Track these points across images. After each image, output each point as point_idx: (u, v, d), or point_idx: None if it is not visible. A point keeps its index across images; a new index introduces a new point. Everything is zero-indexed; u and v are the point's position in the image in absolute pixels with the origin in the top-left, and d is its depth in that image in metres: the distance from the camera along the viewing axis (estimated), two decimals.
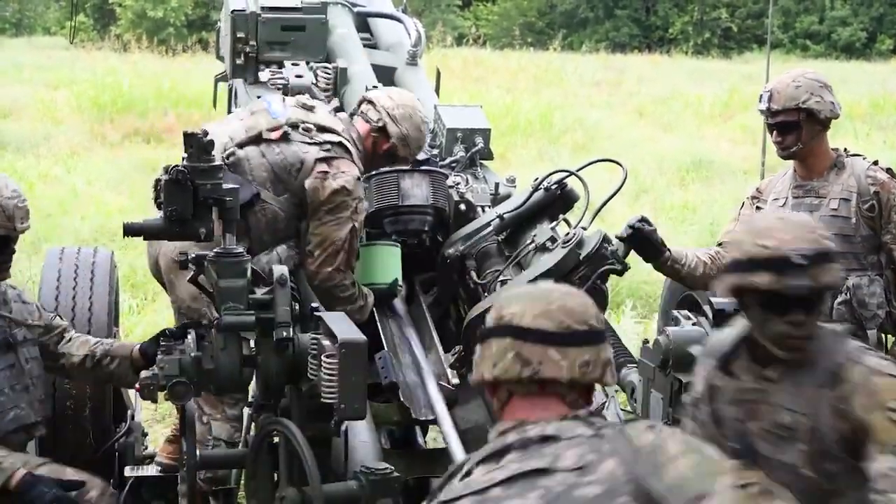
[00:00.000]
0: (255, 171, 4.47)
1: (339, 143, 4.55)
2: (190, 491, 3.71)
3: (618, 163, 4.84)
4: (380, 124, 4.72)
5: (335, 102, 5.02)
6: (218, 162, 3.69)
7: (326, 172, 4.46)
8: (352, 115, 4.83)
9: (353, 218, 4.49)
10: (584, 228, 4.60)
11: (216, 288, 3.53)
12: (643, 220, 4.60)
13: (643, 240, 4.59)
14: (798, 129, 4.67)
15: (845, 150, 4.83)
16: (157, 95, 17.78)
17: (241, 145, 4.49)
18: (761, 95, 4.76)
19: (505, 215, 4.93)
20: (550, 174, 4.97)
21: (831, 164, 4.74)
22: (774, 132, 4.74)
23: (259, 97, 4.69)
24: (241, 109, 4.77)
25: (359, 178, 4.53)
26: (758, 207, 4.85)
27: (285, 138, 4.50)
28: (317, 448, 3.33)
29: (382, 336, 4.75)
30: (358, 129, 4.73)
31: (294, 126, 4.53)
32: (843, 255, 4.62)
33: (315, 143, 4.50)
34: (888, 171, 4.74)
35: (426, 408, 4.47)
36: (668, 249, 4.70)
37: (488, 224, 4.92)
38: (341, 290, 4.56)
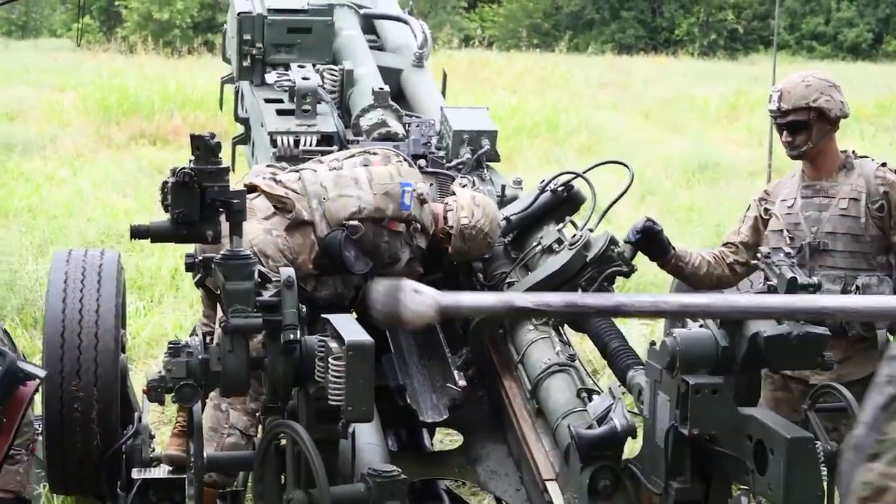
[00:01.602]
0: (361, 245, 4.60)
1: (422, 248, 4.72)
2: (198, 493, 3.71)
3: (624, 164, 4.83)
4: (450, 231, 4.75)
5: (430, 191, 4.98)
6: (225, 165, 3.69)
7: (403, 273, 4.66)
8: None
9: None
10: (591, 230, 4.60)
11: (223, 290, 3.53)
12: (650, 220, 4.60)
13: (650, 239, 4.60)
14: (808, 129, 4.67)
15: (853, 152, 4.83)
16: (163, 97, 17.81)
17: (364, 220, 4.61)
18: (771, 95, 4.75)
19: (511, 217, 4.93)
20: (557, 176, 4.97)
21: (840, 164, 4.74)
22: (784, 132, 4.74)
23: (398, 178, 4.74)
24: (379, 178, 4.73)
25: None
26: (766, 209, 4.85)
27: (395, 234, 4.65)
28: (324, 450, 3.33)
29: (389, 338, 4.75)
30: (437, 222, 4.78)
31: (408, 223, 4.66)
32: (852, 255, 4.63)
33: (410, 245, 4.67)
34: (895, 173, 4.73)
35: (433, 410, 4.47)
36: (674, 248, 4.71)
37: None
38: None
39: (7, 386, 3.60)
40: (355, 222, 4.58)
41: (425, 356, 4.72)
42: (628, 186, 4.70)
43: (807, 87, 4.68)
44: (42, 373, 3.72)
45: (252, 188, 4.65)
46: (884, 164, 4.74)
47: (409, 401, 4.50)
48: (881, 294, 4.60)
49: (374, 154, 4.87)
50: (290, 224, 4.52)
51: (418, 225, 4.68)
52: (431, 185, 5.03)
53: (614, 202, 4.68)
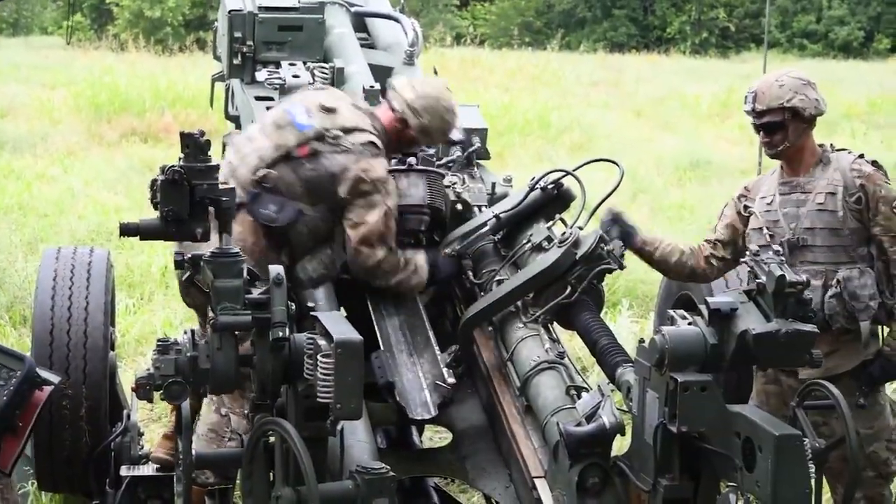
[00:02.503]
0: (290, 189, 4.52)
1: (370, 143, 4.57)
2: (186, 491, 3.71)
3: (614, 162, 4.83)
4: (402, 115, 4.71)
5: (351, 97, 4.87)
6: (215, 163, 3.70)
7: (359, 177, 4.52)
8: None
9: (386, 202, 4.55)
10: (581, 228, 4.60)
11: (212, 288, 3.52)
12: (614, 216, 4.70)
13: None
14: (784, 129, 4.70)
15: (831, 145, 4.84)
16: (154, 95, 17.79)
17: (271, 165, 4.52)
18: (746, 96, 4.78)
19: (502, 215, 4.93)
20: (547, 174, 4.97)
21: (817, 159, 4.76)
22: (761, 132, 4.76)
23: (283, 108, 4.62)
24: (266, 121, 4.70)
25: (389, 173, 4.62)
26: (745, 206, 4.87)
27: (315, 154, 4.52)
28: (312, 448, 3.33)
29: (378, 335, 4.75)
30: (381, 118, 4.73)
31: (321, 137, 4.52)
32: (831, 249, 4.64)
33: (345, 151, 4.51)
34: (873, 163, 4.75)
35: (422, 407, 4.46)
36: (639, 233, 4.79)
37: (485, 224, 4.92)
38: (387, 265, 4.63)
39: (25, 391, 3.61)
40: (262, 172, 4.48)
41: (414, 353, 4.72)
42: (618, 184, 4.70)
43: (780, 88, 4.70)
44: (56, 379, 3.73)
45: None
46: (861, 156, 4.75)
47: (397, 398, 4.50)
48: (863, 286, 4.61)
49: None
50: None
51: (338, 132, 4.53)
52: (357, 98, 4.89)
53: (604, 200, 4.68)
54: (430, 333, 4.76)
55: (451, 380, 4.53)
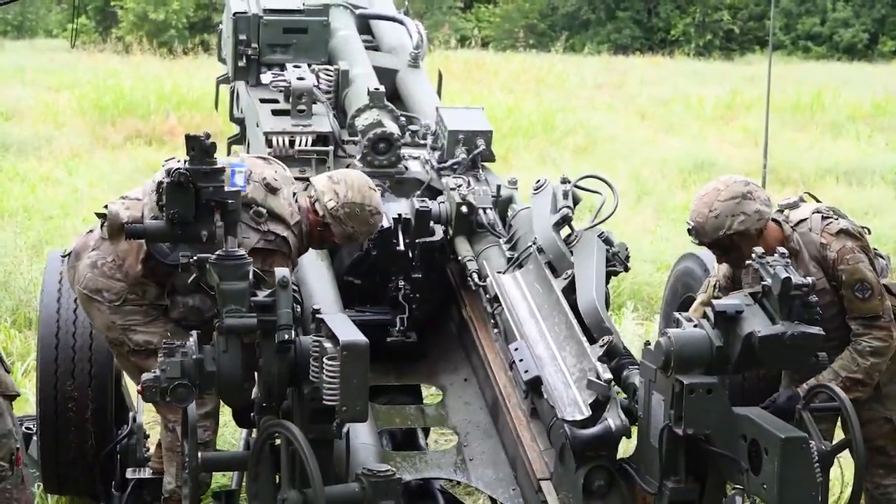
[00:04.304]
0: None
1: (284, 238, 4.37)
2: (192, 493, 3.71)
3: (608, 183, 4.77)
4: (325, 220, 4.48)
5: (297, 188, 4.58)
6: (220, 165, 3.70)
7: (258, 266, 4.19)
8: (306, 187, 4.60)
9: None
10: (592, 226, 4.58)
11: (218, 290, 3.53)
12: None
13: None
14: (737, 249, 4.49)
15: (787, 208, 4.68)
16: (158, 98, 17.78)
17: None
18: (688, 224, 4.57)
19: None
20: (582, 178, 4.88)
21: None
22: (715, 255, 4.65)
23: (231, 160, 4.37)
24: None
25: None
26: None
27: None
28: (318, 450, 3.33)
29: (513, 324, 4.54)
30: (309, 216, 4.50)
31: (247, 206, 4.29)
32: (842, 325, 4.56)
33: (259, 231, 4.30)
34: (839, 233, 4.56)
35: (572, 406, 4.10)
36: None
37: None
38: None
39: None
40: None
41: (558, 345, 4.39)
42: (615, 208, 4.64)
43: (716, 219, 4.46)
44: None
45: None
46: (824, 225, 4.58)
47: (545, 396, 4.22)
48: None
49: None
50: (110, 232, 4.34)
51: (263, 210, 4.32)
52: (301, 182, 4.67)
53: (601, 221, 4.61)
54: (574, 322, 4.36)
55: (607, 375, 4.06)
